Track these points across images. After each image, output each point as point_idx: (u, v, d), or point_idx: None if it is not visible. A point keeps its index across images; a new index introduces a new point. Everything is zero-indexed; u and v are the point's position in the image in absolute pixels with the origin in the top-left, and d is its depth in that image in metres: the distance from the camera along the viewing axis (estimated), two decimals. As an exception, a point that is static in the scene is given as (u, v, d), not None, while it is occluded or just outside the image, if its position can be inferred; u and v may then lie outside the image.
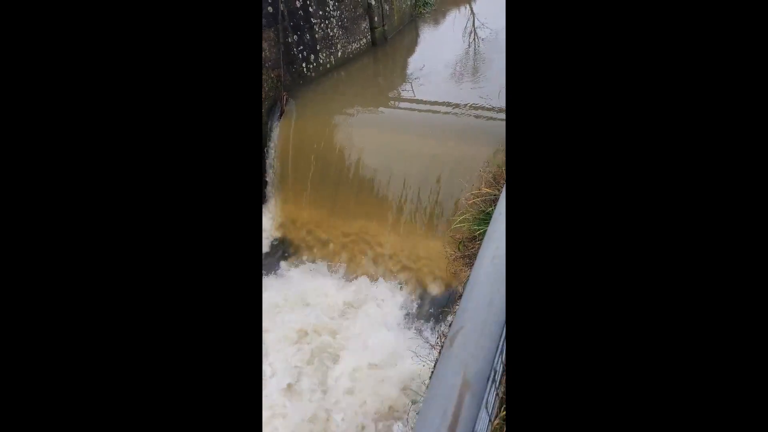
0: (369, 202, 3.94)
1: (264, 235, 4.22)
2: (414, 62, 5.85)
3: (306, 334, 3.36)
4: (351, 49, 5.50)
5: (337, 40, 5.19)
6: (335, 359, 3.20)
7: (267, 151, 4.36)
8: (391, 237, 3.84)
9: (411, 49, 6.36)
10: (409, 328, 3.38)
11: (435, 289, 3.58)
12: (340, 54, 5.29)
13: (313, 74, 4.88)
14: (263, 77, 4.18)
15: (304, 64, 4.72)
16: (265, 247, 4.16)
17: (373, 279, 3.79)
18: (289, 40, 4.44)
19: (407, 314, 3.51)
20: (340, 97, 4.77)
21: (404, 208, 3.82)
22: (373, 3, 5.61)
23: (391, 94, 5.09)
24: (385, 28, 6.05)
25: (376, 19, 5.78)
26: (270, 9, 4.08)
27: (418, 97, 4.77)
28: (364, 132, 4.10)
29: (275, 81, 4.35)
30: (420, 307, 3.54)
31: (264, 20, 4.04)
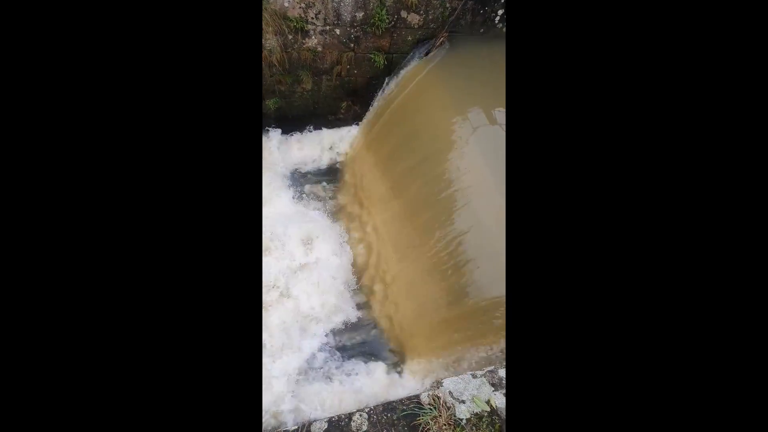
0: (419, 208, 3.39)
1: (331, 151, 4.19)
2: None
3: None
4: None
5: None
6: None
7: (387, 83, 3.88)
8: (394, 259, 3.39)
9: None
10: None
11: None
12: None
13: (504, 29, 3.74)
14: (435, 3, 3.40)
15: (500, 12, 3.60)
16: (322, 161, 4.18)
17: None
18: (501, -27, 3.33)
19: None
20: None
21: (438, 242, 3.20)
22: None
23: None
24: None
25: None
26: None
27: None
28: (480, 150, 3.15)
29: (446, 13, 3.50)
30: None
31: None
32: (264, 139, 4.02)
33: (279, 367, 2.77)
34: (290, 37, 3.39)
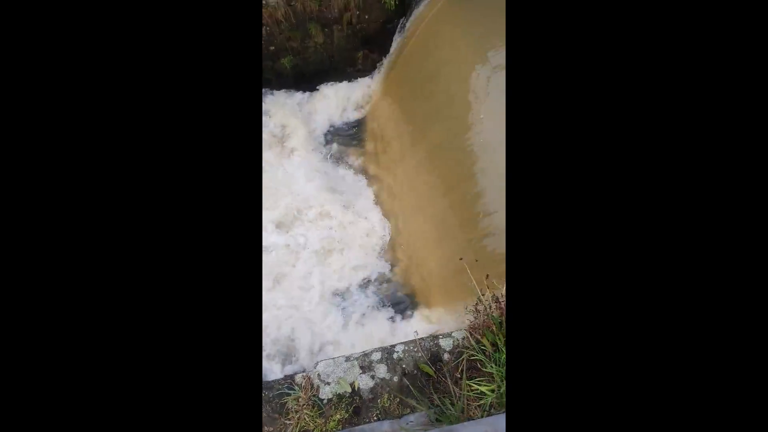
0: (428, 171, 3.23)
1: (353, 103, 4.09)
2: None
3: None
4: None
5: None
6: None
7: (401, 24, 3.54)
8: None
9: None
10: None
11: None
12: None
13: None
14: None
15: None
16: (344, 115, 4.12)
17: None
18: None
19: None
20: None
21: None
22: None
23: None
24: None
25: None
26: None
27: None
28: (501, 93, 2.79)
29: (460, -70, 2.98)
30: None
31: None
32: (286, 99, 4.06)
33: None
34: (291, -12, 3.24)
